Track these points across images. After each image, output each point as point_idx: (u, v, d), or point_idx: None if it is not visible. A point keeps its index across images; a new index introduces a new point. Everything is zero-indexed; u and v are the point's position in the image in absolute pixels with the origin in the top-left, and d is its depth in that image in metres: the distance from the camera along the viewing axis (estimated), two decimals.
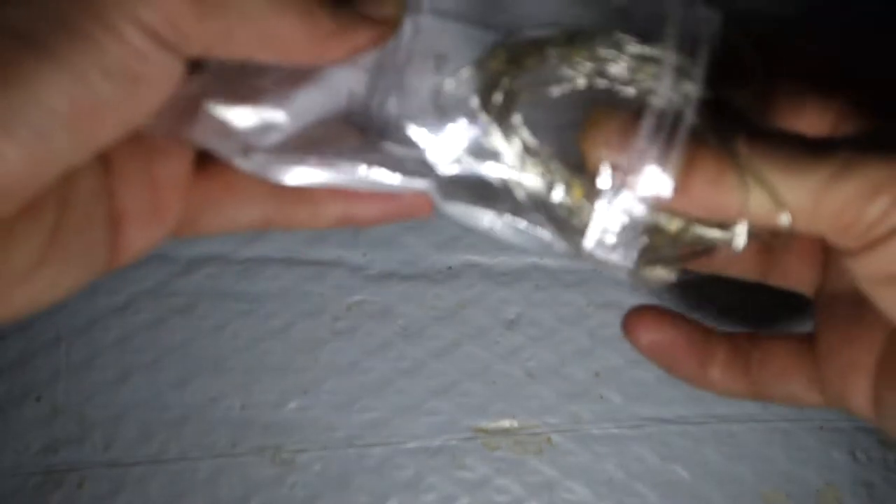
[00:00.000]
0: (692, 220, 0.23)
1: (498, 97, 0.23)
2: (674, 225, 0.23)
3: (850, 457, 0.34)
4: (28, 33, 0.17)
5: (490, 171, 0.23)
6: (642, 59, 0.23)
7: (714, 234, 0.23)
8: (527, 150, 0.23)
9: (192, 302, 0.35)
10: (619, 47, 0.23)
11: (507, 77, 0.24)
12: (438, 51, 0.25)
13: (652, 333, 0.27)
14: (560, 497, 0.34)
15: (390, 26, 0.22)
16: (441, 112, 0.25)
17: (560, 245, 0.23)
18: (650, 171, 0.22)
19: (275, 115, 0.23)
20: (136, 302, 0.35)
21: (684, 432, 0.34)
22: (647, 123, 0.22)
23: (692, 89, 0.23)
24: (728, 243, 0.22)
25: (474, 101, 0.23)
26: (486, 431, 0.34)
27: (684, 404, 0.34)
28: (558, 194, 0.23)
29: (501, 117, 0.23)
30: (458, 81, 0.24)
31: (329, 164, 0.23)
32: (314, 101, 0.24)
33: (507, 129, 0.23)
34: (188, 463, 0.34)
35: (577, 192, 0.23)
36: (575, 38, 0.24)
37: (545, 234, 0.24)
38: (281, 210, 0.24)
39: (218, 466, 0.34)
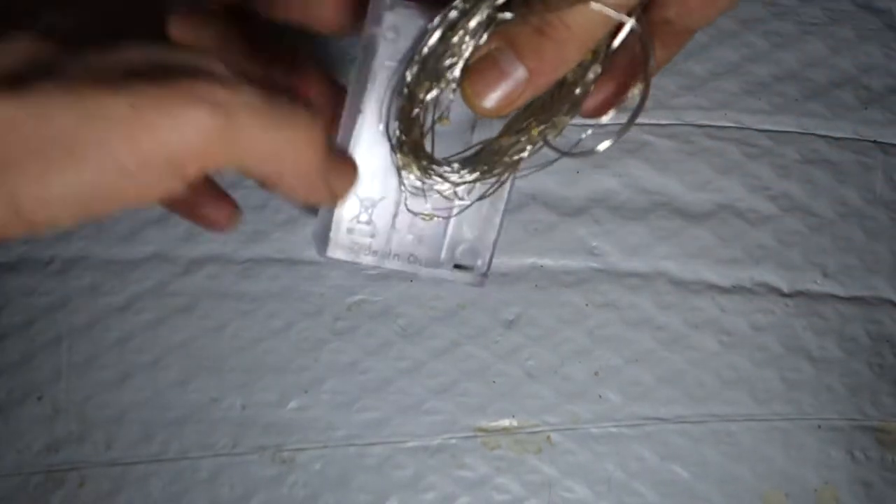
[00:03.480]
0: None
1: None
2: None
3: (849, 456, 0.34)
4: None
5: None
6: None
7: None
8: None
9: (193, 302, 0.35)
10: None
11: None
12: None
13: None
14: (559, 496, 0.34)
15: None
16: None
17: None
18: None
19: None
20: (137, 302, 0.35)
21: (683, 431, 0.34)
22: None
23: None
24: None
25: None
26: (485, 430, 0.34)
27: (683, 404, 0.34)
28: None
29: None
30: None
31: None
32: None
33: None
34: (189, 462, 0.34)
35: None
36: None
37: None
38: None
39: (219, 465, 0.34)
